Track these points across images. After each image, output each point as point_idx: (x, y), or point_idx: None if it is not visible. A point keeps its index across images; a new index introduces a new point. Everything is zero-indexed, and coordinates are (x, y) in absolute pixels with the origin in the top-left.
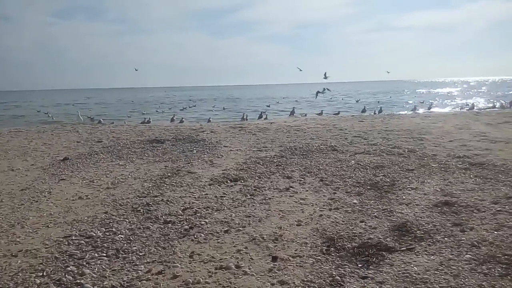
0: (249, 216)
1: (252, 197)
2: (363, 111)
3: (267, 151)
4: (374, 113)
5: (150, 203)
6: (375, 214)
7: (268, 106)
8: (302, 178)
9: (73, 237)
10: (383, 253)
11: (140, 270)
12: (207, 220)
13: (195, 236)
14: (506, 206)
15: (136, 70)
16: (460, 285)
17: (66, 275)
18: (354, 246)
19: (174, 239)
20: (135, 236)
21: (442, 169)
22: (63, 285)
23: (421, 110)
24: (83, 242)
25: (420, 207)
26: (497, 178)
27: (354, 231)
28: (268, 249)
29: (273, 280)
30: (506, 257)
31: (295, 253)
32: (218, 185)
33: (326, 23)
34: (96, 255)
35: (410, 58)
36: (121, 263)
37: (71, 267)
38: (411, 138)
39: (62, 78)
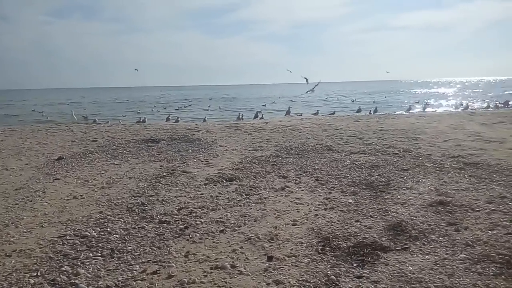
0: (245, 216)
1: (248, 196)
2: (358, 111)
3: (262, 151)
4: (370, 113)
5: (145, 203)
6: (370, 213)
7: (264, 105)
8: (298, 177)
9: (68, 237)
10: (378, 252)
11: (135, 270)
12: (202, 220)
13: (190, 236)
14: (500, 206)
15: (136, 70)
16: (455, 284)
17: (61, 275)
18: (349, 246)
19: (169, 238)
20: (130, 236)
21: (437, 168)
22: (57, 285)
23: (416, 110)
24: (78, 242)
25: (415, 207)
26: (491, 177)
27: (349, 231)
28: (264, 248)
29: (269, 279)
30: (500, 256)
31: (291, 253)
32: (214, 185)
33: (323, 22)
34: (91, 255)
35: (406, 58)
36: (116, 263)
37: (65, 267)
38: (406, 138)
39: (58, 77)
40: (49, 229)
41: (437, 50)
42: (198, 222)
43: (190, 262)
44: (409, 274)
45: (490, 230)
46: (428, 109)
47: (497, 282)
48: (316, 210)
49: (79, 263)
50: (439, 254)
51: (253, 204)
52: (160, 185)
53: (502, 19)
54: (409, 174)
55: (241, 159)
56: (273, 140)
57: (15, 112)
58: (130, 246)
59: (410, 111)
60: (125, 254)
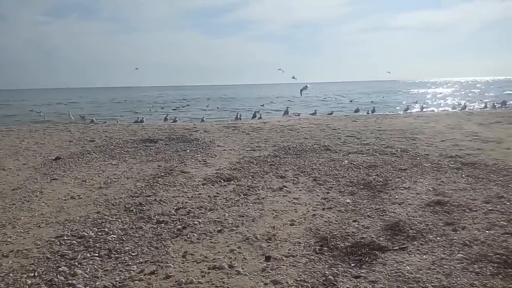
0: (243, 216)
1: (246, 196)
2: (356, 111)
3: (260, 151)
4: (367, 113)
5: (143, 203)
6: (368, 213)
7: (262, 105)
8: (296, 177)
9: (65, 237)
10: (376, 252)
11: (133, 270)
12: (200, 220)
13: (188, 236)
14: (498, 206)
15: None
16: (452, 284)
17: (58, 276)
18: (347, 246)
19: (167, 239)
20: (128, 236)
21: (435, 168)
22: (54, 285)
23: (414, 110)
24: (75, 242)
25: (413, 207)
26: (488, 177)
27: (347, 231)
28: (262, 248)
29: (266, 280)
30: (497, 256)
31: (288, 253)
32: (212, 185)
33: (321, 23)
34: (88, 255)
35: (405, 58)
36: (114, 263)
37: (63, 267)
38: (403, 138)
39: (56, 77)
40: (46, 229)
41: (435, 50)
42: (196, 222)
43: (187, 262)
44: (407, 274)
45: (487, 230)
46: (426, 109)
47: (494, 282)
48: (314, 210)
49: (76, 264)
50: (436, 254)
51: (251, 204)
52: (158, 185)
53: (502, 19)
54: (406, 174)
55: (239, 159)
56: (271, 140)
57: (12, 112)
58: (127, 247)
59: (408, 111)
60: (122, 254)
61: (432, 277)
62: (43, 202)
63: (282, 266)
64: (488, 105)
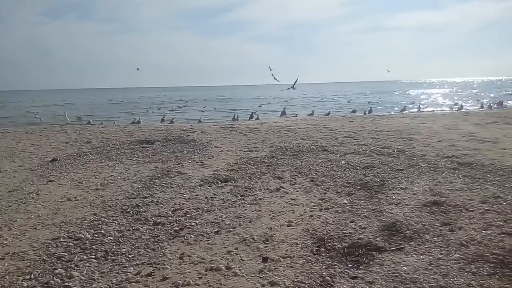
0: (240, 217)
1: (243, 197)
2: (353, 111)
3: (258, 152)
4: (364, 114)
5: (140, 205)
6: (365, 214)
7: (260, 106)
8: (293, 178)
9: (62, 239)
10: (373, 253)
11: (130, 272)
12: (197, 221)
13: (185, 238)
14: (494, 206)
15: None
16: (449, 284)
17: (54, 278)
18: (344, 246)
19: (164, 240)
20: (125, 238)
21: (431, 169)
22: None
23: (410, 111)
24: (72, 244)
25: (410, 207)
26: (485, 177)
27: (344, 231)
28: (259, 250)
29: (264, 281)
30: (494, 256)
31: (286, 254)
32: (209, 186)
33: (318, 23)
34: (85, 257)
35: (401, 58)
36: (110, 265)
37: (59, 269)
38: (400, 138)
39: (52, 78)
40: (42, 232)
41: (433, 51)
42: (193, 224)
43: (184, 264)
44: (404, 275)
45: (484, 230)
46: (423, 110)
47: (491, 282)
48: (311, 210)
49: (72, 266)
50: (433, 254)
51: (248, 205)
52: (155, 186)
53: (499, 20)
54: (403, 175)
55: (236, 160)
56: (268, 141)
57: (8, 114)
58: (124, 248)
59: (405, 112)
60: (119, 256)
61: (429, 277)
62: (40, 204)
63: (279, 267)
64: (484, 106)
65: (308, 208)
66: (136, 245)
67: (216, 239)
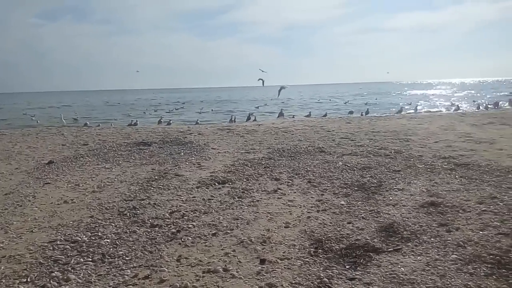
0: (237, 219)
1: (240, 199)
2: (350, 112)
3: (255, 153)
4: (361, 115)
5: (137, 207)
6: (363, 215)
7: (257, 107)
8: (290, 180)
9: (58, 242)
10: (371, 254)
11: (127, 275)
12: (194, 223)
13: (182, 240)
14: (491, 206)
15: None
16: (447, 285)
17: (51, 281)
18: (342, 248)
19: (161, 243)
20: (122, 241)
21: (428, 169)
22: None
23: (407, 112)
24: (68, 247)
25: (407, 208)
26: (482, 178)
27: (341, 233)
28: (256, 251)
29: (261, 283)
30: (491, 256)
31: (283, 256)
32: (206, 188)
33: (315, 25)
34: (82, 260)
35: (398, 59)
36: (107, 268)
37: (56, 272)
38: (397, 139)
39: (49, 80)
40: (39, 234)
41: (429, 52)
42: (190, 226)
43: (182, 266)
44: (401, 276)
45: (481, 231)
46: (419, 110)
47: (488, 283)
48: (308, 212)
49: (69, 269)
50: (431, 255)
51: (246, 207)
52: (152, 188)
53: (494, 21)
54: (400, 176)
55: (234, 161)
56: (265, 142)
57: (4, 116)
58: (121, 251)
59: (402, 113)
60: (116, 258)
61: (426, 278)
62: (36, 207)
63: (277, 269)
64: (481, 106)
65: (306, 210)
66: (133, 247)
67: (214, 241)
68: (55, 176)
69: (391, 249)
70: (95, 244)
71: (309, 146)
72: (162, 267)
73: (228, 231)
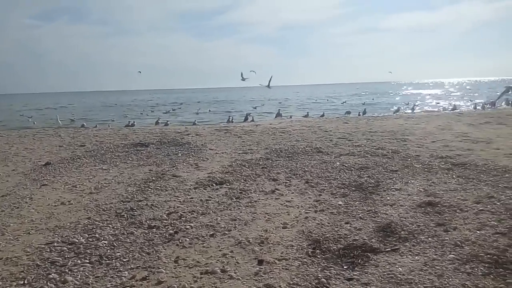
0: (235, 220)
1: (238, 200)
2: (348, 113)
3: (252, 154)
4: (359, 115)
5: (134, 208)
6: (360, 215)
7: (255, 108)
8: (288, 180)
9: (55, 244)
10: (368, 254)
11: (124, 277)
12: (192, 224)
13: (180, 241)
14: (488, 206)
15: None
16: (444, 285)
17: (48, 283)
18: (340, 248)
19: (158, 244)
20: (119, 242)
21: (425, 169)
22: None
23: (404, 112)
24: (66, 248)
25: (404, 208)
26: (479, 178)
27: (339, 233)
28: (254, 252)
29: (259, 283)
30: (488, 256)
31: (281, 256)
32: (204, 189)
33: (312, 25)
34: (79, 262)
35: (395, 59)
36: (105, 270)
37: (53, 274)
38: (394, 139)
39: (45, 81)
40: (36, 236)
41: (426, 52)
42: (188, 227)
43: (180, 268)
44: (399, 275)
45: (478, 230)
46: (416, 110)
47: (485, 282)
48: (306, 212)
49: (67, 271)
50: (428, 254)
51: (243, 208)
52: (149, 189)
53: (491, 21)
54: (398, 175)
55: (231, 162)
56: (263, 143)
57: (1, 117)
58: (118, 252)
59: (399, 113)
60: (113, 260)
61: (424, 278)
62: (33, 209)
63: (274, 270)
64: (477, 106)
65: (303, 210)
66: (130, 249)
67: (211, 242)
68: (52, 178)
69: (389, 249)
70: (93, 246)
71: (306, 147)
72: (159, 268)
73: (226, 232)
